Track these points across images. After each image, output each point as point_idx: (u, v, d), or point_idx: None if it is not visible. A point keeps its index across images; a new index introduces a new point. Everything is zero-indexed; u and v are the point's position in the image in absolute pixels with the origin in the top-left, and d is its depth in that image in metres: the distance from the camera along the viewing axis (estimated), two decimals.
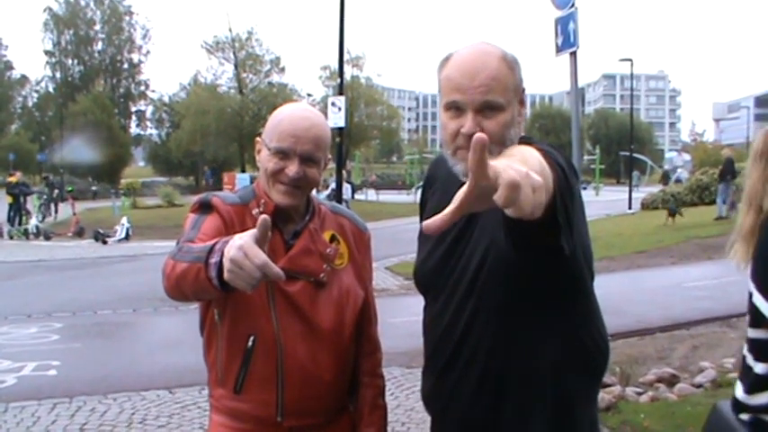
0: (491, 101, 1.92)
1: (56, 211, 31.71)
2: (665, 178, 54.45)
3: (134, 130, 76.33)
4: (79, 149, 51.84)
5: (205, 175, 47.62)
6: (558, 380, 1.97)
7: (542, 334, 1.97)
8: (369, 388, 2.40)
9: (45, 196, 32.00)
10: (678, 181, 39.78)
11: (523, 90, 2.05)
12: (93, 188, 46.86)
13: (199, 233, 2.10)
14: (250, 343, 2.17)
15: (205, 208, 2.20)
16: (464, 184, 1.81)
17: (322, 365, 2.21)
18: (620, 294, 11.00)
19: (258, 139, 2.28)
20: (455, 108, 1.96)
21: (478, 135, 1.18)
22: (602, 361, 2.10)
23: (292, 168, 2.16)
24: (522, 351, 1.96)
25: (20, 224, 26.32)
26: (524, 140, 1.98)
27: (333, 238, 2.33)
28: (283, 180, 2.18)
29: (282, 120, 2.21)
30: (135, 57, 76.97)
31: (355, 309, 2.31)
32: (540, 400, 1.97)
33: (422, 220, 2.21)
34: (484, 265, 1.96)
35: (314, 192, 2.39)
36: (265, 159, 2.21)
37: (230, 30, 50.32)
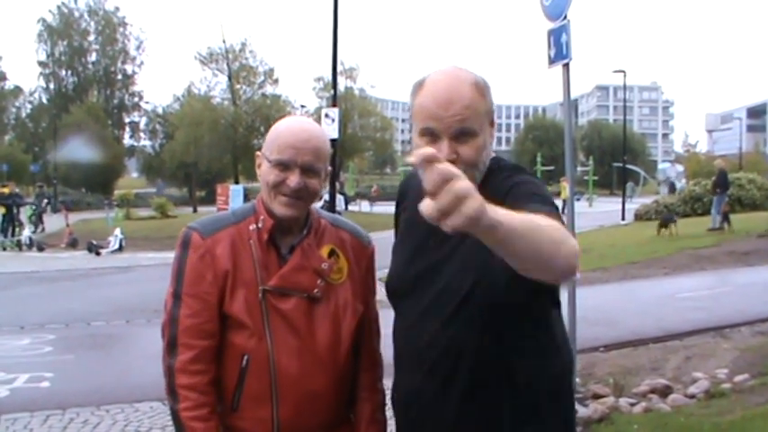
0: (466, 128, 2.01)
1: (41, 222, 31.40)
2: (672, 188, 54.63)
3: (127, 141, 76.28)
4: (72, 160, 51.81)
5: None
6: (536, 381, 2.07)
7: (522, 340, 2.06)
8: (367, 402, 2.40)
9: (35, 206, 31.88)
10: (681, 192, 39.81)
11: (493, 112, 2.13)
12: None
13: (183, 287, 2.22)
14: (244, 362, 2.19)
15: (184, 246, 2.26)
16: None
17: (317, 381, 2.22)
18: (614, 305, 11.04)
19: (258, 153, 2.30)
20: (430, 135, 2.03)
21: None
22: (569, 359, 2.26)
23: (293, 179, 2.18)
24: (504, 357, 2.05)
25: (12, 235, 26.26)
26: (496, 160, 2.14)
27: (332, 253, 2.33)
28: (285, 191, 2.20)
29: (282, 132, 2.23)
30: (129, 68, 77.06)
31: (352, 323, 2.31)
32: (528, 403, 2.06)
33: (396, 234, 2.38)
34: (474, 291, 2.02)
35: None
36: (266, 172, 2.23)
37: (224, 41, 50.19)
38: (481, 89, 2.07)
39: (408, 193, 2.33)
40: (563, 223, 1.78)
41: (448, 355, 2.07)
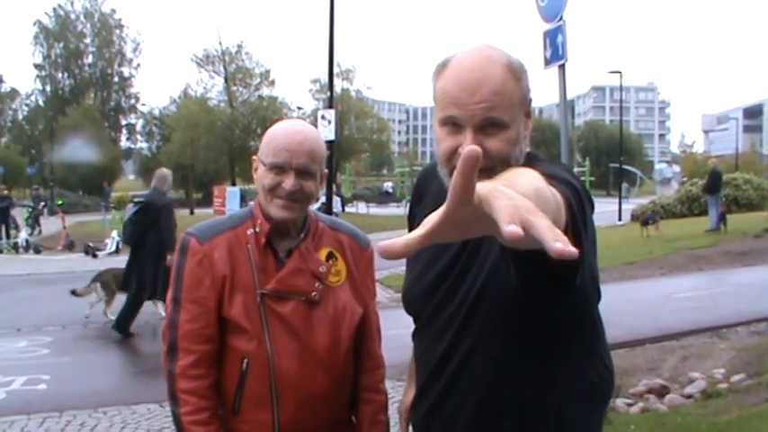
0: (494, 118, 1.71)
1: (38, 224, 31.26)
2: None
3: (124, 143, 76.16)
4: (69, 163, 51.76)
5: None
6: (561, 414, 1.83)
7: (545, 366, 1.82)
8: (368, 404, 2.42)
9: (31, 209, 31.79)
10: None
11: (530, 101, 1.83)
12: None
13: (182, 293, 2.22)
14: (244, 366, 2.20)
15: (182, 252, 2.27)
16: None
17: (317, 383, 2.23)
18: (611, 305, 10.93)
19: (254, 157, 2.31)
20: (452, 124, 1.74)
21: (471, 150, 0.95)
22: (608, 390, 1.96)
23: (288, 182, 2.19)
24: (522, 383, 1.82)
25: (8, 237, 26.17)
26: (530, 157, 1.81)
27: (330, 256, 2.34)
28: (280, 194, 2.20)
29: (276, 135, 2.24)
30: (125, 70, 76.89)
31: (351, 326, 2.32)
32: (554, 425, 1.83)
33: None
34: (483, 295, 1.79)
35: None
36: (262, 176, 2.24)
37: (220, 43, 50.56)
38: (516, 72, 1.76)
39: (428, 191, 2.08)
40: (576, 206, 1.43)
41: (471, 379, 1.85)
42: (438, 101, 1.78)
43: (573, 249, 0.92)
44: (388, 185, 57.62)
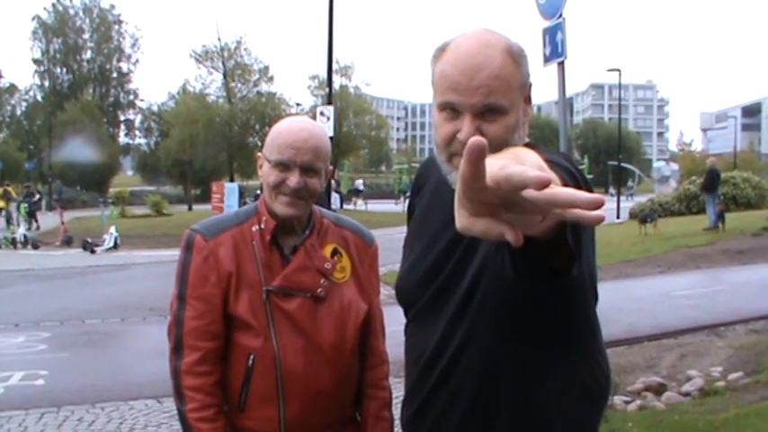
0: (493, 103, 1.67)
1: (35, 220, 31.14)
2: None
3: (123, 139, 76.07)
4: (68, 158, 51.72)
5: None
6: (554, 417, 1.78)
7: (539, 364, 1.77)
8: (373, 400, 2.42)
9: (26, 205, 31.73)
10: None
11: (530, 86, 1.78)
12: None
13: (188, 289, 2.22)
14: (250, 362, 2.21)
15: (187, 248, 2.27)
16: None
17: (323, 379, 2.24)
18: (609, 303, 11.01)
19: (259, 154, 2.31)
20: (450, 109, 1.70)
21: (475, 141, 0.92)
22: (603, 393, 1.91)
23: (293, 179, 2.19)
24: (515, 384, 1.76)
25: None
26: (529, 146, 1.67)
27: (335, 252, 2.34)
28: (285, 191, 2.21)
29: (281, 132, 2.24)
30: (124, 65, 76.70)
31: (356, 322, 2.33)
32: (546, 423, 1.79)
33: (408, 227, 2.13)
34: (478, 285, 1.73)
35: None
36: (267, 173, 2.24)
37: (219, 39, 50.14)
38: (515, 57, 1.71)
39: (427, 182, 2.05)
40: None
41: (461, 376, 1.79)
42: (436, 86, 1.75)
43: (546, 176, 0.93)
44: (359, 183, 57.38)
